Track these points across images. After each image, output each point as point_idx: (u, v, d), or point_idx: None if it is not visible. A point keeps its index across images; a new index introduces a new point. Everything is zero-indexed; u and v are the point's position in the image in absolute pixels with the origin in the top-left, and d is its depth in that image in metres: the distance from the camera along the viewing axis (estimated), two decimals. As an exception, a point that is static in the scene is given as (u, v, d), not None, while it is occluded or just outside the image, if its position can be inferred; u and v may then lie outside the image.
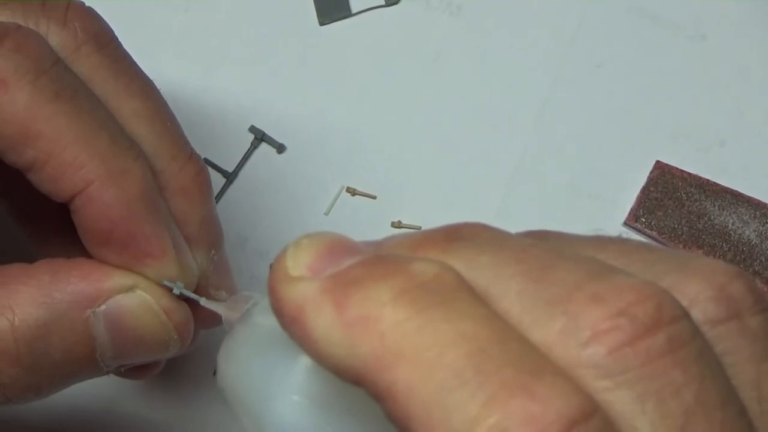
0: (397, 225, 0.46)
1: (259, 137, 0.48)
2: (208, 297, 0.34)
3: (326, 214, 0.47)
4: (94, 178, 0.31)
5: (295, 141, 0.48)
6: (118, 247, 0.32)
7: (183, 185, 0.35)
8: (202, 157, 0.47)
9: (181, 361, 0.44)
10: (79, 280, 0.32)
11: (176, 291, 0.33)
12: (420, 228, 0.46)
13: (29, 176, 0.32)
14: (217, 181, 0.47)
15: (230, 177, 0.47)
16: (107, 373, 0.34)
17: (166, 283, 0.32)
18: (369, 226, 0.46)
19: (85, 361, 0.32)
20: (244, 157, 0.47)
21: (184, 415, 0.44)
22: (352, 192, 0.47)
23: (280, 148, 0.47)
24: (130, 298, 0.32)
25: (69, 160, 0.31)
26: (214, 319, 0.33)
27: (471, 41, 0.49)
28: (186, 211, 0.35)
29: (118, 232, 0.32)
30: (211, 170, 0.48)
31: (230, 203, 0.47)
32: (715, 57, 0.48)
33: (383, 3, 0.49)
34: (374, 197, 0.47)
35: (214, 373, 0.44)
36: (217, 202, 0.47)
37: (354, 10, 0.49)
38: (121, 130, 0.33)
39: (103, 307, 0.32)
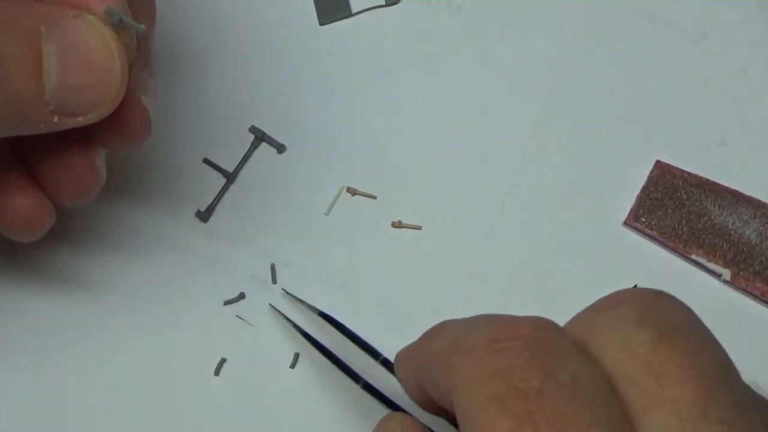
0: (397, 225, 0.46)
1: (259, 137, 0.48)
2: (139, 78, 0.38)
3: (326, 214, 0.47)
4: None
5: (295, 141, 0.48)
6: None
7: None
8: (203, 157, 0.48)
9: (181, 360, 0.44)
10: (33, 3, 0.35)
11: (116, 17, 0.35)
12: (420, 228, 0.46)
13: None
14: (217, 181, 0.47)
15: (230, 177, 0.47)
16: (48, 116, 0.35)
17: (108, 8, 0.35)
18: (369, 226, 0.46)
19: (30, 79, 0.34)
20: (244, 157, 0.47)
21: (184, 415, 0.44)
22: (352, 192, 0.47)
23: (280, 148, 0.47)
24: (80, 20, 0.35)
25: None
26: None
27: (471, 41, 0.49)
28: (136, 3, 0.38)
29: None
30: (211, 170, 0.48)
31: (230, 203, 0.47)
32: (715, 57, 0.48)
33: (383, 3, 0.49)
34: (374, 197, 0.47)
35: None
36: (217, 202, 0.47)
37: (354, 10, 0.49)
38: None
39: (55, 30, 0.34)
